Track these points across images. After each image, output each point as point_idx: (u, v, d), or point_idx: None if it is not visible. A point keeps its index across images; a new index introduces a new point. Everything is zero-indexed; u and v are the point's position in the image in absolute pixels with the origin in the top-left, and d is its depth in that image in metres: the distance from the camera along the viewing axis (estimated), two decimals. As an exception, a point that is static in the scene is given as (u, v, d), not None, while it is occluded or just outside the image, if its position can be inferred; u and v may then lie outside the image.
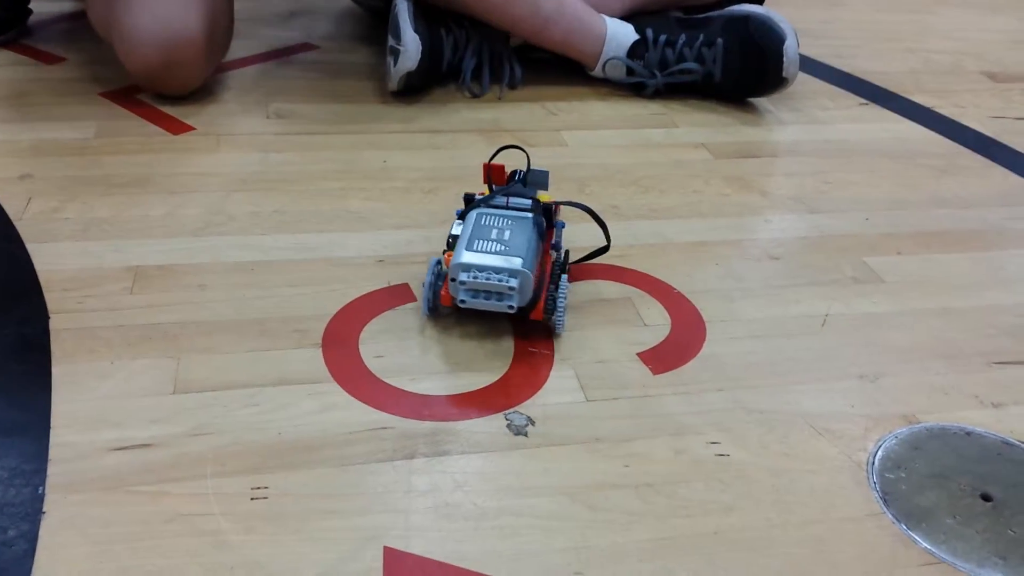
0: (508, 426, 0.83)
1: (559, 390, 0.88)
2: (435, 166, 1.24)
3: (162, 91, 1.36)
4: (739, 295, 1.04)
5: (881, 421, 0.87)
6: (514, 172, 1.01)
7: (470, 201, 0.99)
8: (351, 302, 0.96)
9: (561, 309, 0.92)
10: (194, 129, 1.29)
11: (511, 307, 0.90)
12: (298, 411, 0.82)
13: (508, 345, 0.93)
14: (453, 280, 0.89)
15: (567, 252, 1.01)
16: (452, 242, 0.95)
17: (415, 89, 1.44)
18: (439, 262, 0.94)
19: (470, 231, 0.92)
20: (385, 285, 1.00)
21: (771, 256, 1.12)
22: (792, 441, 0.84)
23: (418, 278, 1.01)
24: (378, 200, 1.16)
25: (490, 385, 0.88)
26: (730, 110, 1.51)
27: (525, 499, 0.76)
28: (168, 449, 0.77)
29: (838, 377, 0.93)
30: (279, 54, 1.58)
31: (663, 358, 0.93)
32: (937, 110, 1.59)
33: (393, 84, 1.39)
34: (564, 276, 0.95)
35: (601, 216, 1.01)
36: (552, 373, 0.90)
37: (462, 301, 0.90)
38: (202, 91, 1.39)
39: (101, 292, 0.95)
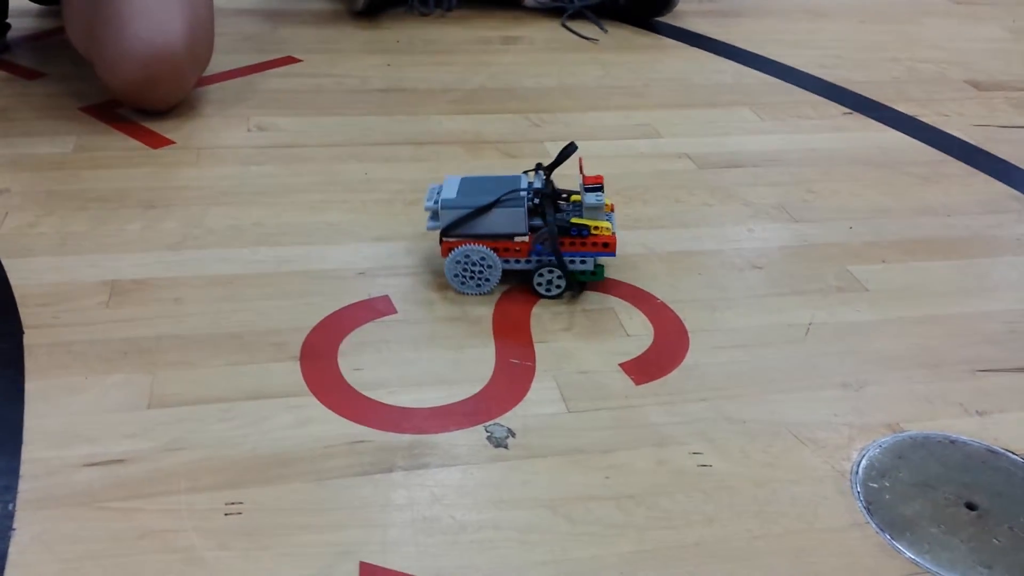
0: (488, 438, 0.82)
1: (540, 401, 0.87)
2: (417, 178, 1.24)
3: (143, 107, 1.35)
4: (722, 304, 1.03)
5: (865, 430, 0.87)
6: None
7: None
8: (330, 315, 0.95)
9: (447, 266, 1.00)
10: (174, 143, 1.28)
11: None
12: (274, 425, 0.81)
13: (489, 357, 0.92)
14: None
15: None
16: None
17: (377, 9, 1.83)
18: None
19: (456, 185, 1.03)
20: (365, 298, 0.99)
21: (754, 265, 1.12)
22: (775, 451, 0.83)
23: (399, 289, 1.01)
24: (359, 212, 1.15)
25: (470, 397, 0.87)
26: (713, 119, 1.51)
27: (504, 512, 0.75)
28: (141, 464, 0.76)
29: (821, 386, 0.92)
30: (262, 67, 1.58)
31: (646, 368, 0.92)
32: (921, 119, 1.59)
33: (359, 5, 1.78)
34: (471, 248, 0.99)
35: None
36: (533, 384, 0.89)
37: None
38: (183, 105, 1.38)
39: (76, 307, 0.94)
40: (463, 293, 1.01)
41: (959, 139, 1.52)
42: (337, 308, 0.97)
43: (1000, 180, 1.39)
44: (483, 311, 0.99)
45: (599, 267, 1.04)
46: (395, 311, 0.97)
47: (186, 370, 0.86)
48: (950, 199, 1.32)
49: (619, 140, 1.41)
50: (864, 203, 1.29)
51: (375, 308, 0.97)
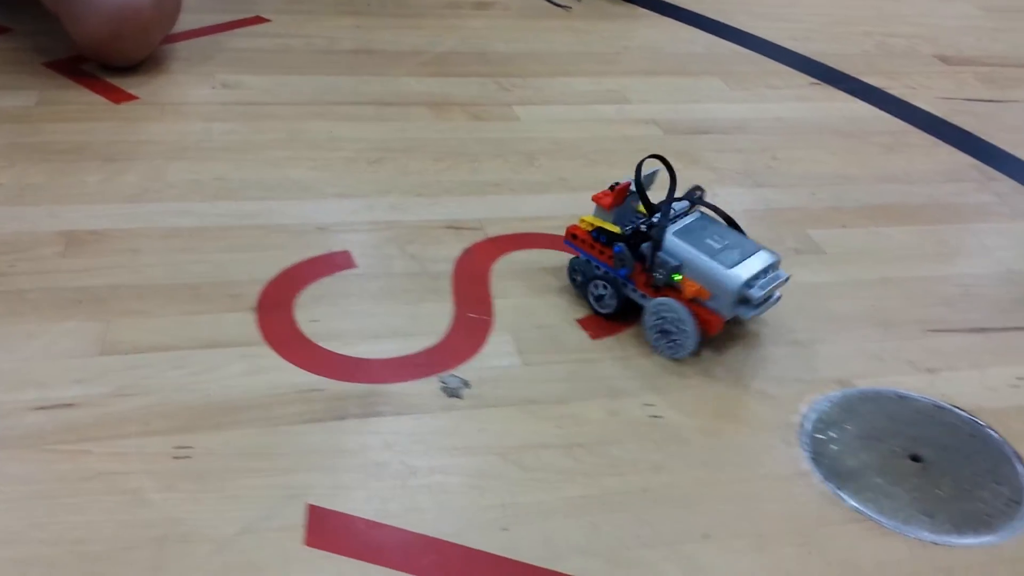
0: (443, 388, 0.83)
1: (496, 354, 0.88)
2: (382, 138, 1.23)
3: (109, 62, 1.34)
4: (681, 264, 1.04)
5: (815, 385, 0.88)
6: (619, 186, 0.93)
7: (637, 231, 0.92)
8: (289, 268, 0.95)
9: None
10: (138, 99, 1.27)
11: (779, 298, 0.90)
12: (227, 373, 0.81)
13: (447, 311, 0.92)
14: (739, 302, 0.85)
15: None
16: (665, 276, 0.86)
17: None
18: (675, 304, 0.86)
19: (697, 252, 0.86)
20: (325, 252, 0.99)
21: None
22: (725, 404, 0.84)
23: (360, 245, 1.01)
24: (322, 170, 1.15)
25: (426, 349, 0.87)
26: (682, 87, 1.51)
27: (455, 458, 0.75)
28: (91, 409, 0.76)
29: (775, 343, 0.93)
30: (230, 26, 1.56)
31: (603, 324, 0.93)
32: (888, 91, 1.60)
33: None
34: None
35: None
36: (490, 338, 0.90)
37: (748, 316, 0.86)
38: (149, 61, 1.37)
39: (32, 256, 0.93)
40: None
41: (925, 111, 1.53)
42: (296, 262, 0.96)
43: (963, 151, 1.41)
44: (443, 267, 0.99)
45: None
46: (354, 266, 0.97)
47: (140, 319, 0.86)
48: (912, 168, 1.33)
49: (587, 105, 1.41)
50: (827, 170, 1.30)
51: (334, 262, 0.97)
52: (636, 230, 0.93)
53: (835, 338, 0.95)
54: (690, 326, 0.86)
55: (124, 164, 1.11)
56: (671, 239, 0.88)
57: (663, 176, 0.95)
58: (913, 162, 1.35)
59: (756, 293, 0.85)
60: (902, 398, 0.88)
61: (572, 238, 0.95)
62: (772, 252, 0.88)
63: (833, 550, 0.71)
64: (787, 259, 1.07)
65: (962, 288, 1.05)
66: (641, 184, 0.93)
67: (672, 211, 0.92)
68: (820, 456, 0.80)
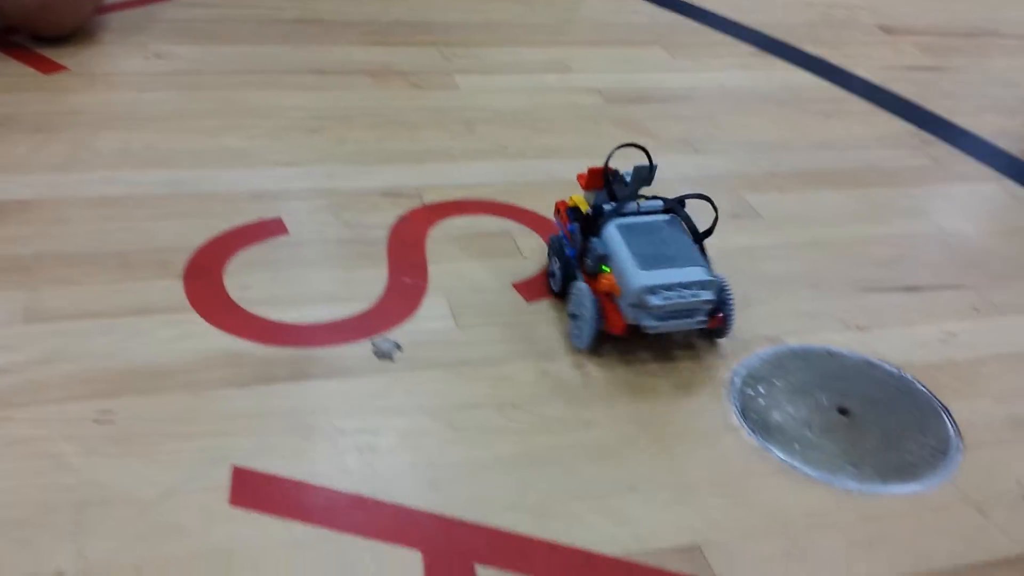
0: (374, 351, 0.82)
1: (430, 318, 0.87)
2: (320, 106, 1.22)
3: (39, 33, 1.31)
4: (619, 229, 1.05)
5: (746, 343, 0.89)
6: (609, 172, 0.88)
7: (587, 215, 0.87)
8: (219, 235, 0.94)
9: (731, 310, 0.84)
10: (67, 69, 1.24)
11: (703, 322, 0.82)
12: (154, 339, 0.80)
13: (381, 276, 0.92)
14: (636, 306, 0.80)
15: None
16: (593, 264, 0.83)
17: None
18: (586, 291, 0.82)
19: (625, 248, 0.81)
20: (256, 220, 0.98)
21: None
22: (657, 362, 0.85)
23: (294, 213, 1.00)
24: (257, 139, 1.13)
25: (358, 314, 0.87)
26: (626, 57, 1.51)
27: (385, 419, 0.75)
28: (13, 376, 0.74)
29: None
30: (167, -2, 1.53)
31: (538, 288, 0.93)
32: (829, 60, 1.61)
33: None
34: (721, 275, 0.85)
35: (714, 202, 0.88)
36: (424, 302, 0.89)
37: (651, 327, 0.80)
38: (81, 32, 1.34)
39: (-47, 226, 0.91)
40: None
41: (864, 79, 1.55)
42: (226, 229, 0.95)
43: (901, 117, 1.43)
44: (378, 233, 0.98)
45: None
46: (287, 232, 0.96)
47: (66, 287, 0.84)
48: (850, 134, 1.35)
49: (530, 75, 1.41)
50: (766, 137, 1.31)
51: (266, 229, 0.96)
52: (591, 215, 0.88)
53: (768, 298, 0.96)
54: (590, 317, 0.82)
55: (52, 134, 1.09)
56: (610, 229, 0.84)
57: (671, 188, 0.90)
58: (851, 129, 1.36)
59: (654, 301, 0.79)
60: (832, 354, 0.90)
61: (556, 213, 0.93)
62: (710, 274, 0.82)
63: (759, 500, 0.72)
64: (724, 223, 1.08)
65: (895, 249, 1.07)
66: (608, 172, 0.88)
67: (637, 206, 0.87)
68: (749, 411, 0.81)
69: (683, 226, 0.86)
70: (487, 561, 0.64)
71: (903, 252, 1.07)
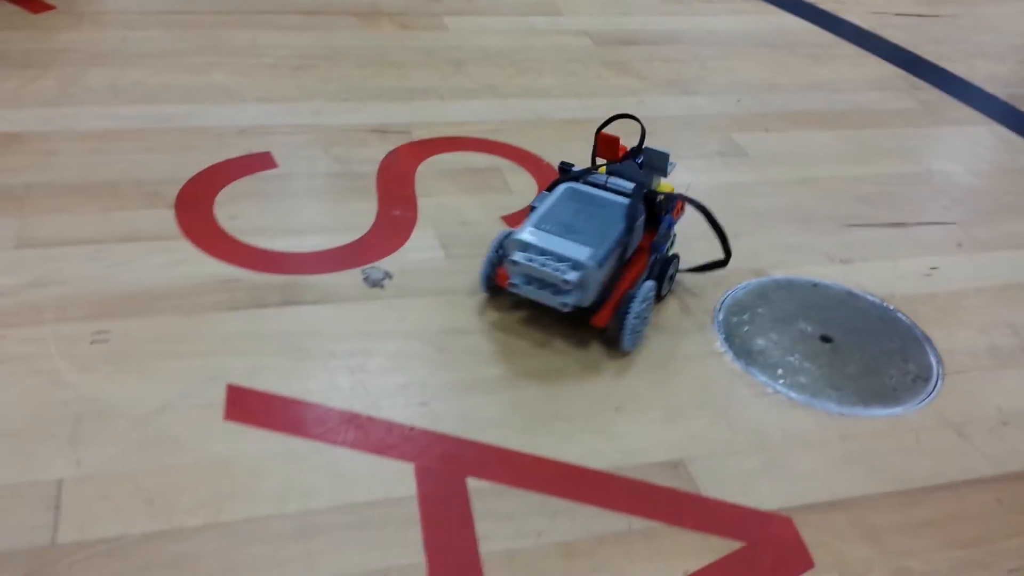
0: (365, 279, 0.83)
1: (420, 248, 0.88)
2: (306, 45, 1.22)
3: (24, -27, 1.29)
4: (607, 165, 1.05)
5: (732, 274, 0.90)
6: (632, 150, 0.85)
7: (565, 171, 0.84)
8: (208, 167, 0.95)
9: (634, 324, 0.77)
10: (54, 8, 1.24)
11: (565, 304, 0.75)
12: (145, 265, 0.81)
13: (371, 209, 0.93)
14: (506, 258, 0.76)
15: (673, 257, 0.84)
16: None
17: None
18: (509, 235, 0.79)
19: (548, 206, 0.78)
20: (245, 153, 0.98)
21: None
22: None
23: (283, 147, 1.00)
24: (244, 76, 1.13)
25: (349, 243, 0.87)
26: (616, 1, 1.51)
27: (376, 343, 0.76)
28: (7, 298, 0.75)
29: (695, 237, 0.94)
30: (153, -59, 1.52)
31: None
32: (818, 5, 1.61)
33: None
34: (649, 284, 0.78)
35: (718, 221, 0.84)
36: (414, 233, 0.90)
37: (512, 285, 0.76)
38: (66, -28, 1.33)
39: (-57, 157, 0.91)
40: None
41: (854, 24, 1.55)
42: (216, 162, 0.96)
43: (890, 62, 1.43)
44: (367, 168, 0.99)
45: (672, 236, 0.86)
46: (276, 166, 0.97)
47: (57, 215, 0.85)
48: (839, 77, 1.35)
49: (519, 16, 1.41)
50: (755, 79, 1.31)
51: (255, 163, 0.97)
52: (559, 171, 0.86)
53: (754, 232, 0.97)
54: (484, 260, 0.80)
55: (41, 71, 1.09)
56: (557, 188, 0.81)
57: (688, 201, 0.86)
58: (839, 72, 1.37)
59: (515, 256, 0.75)
60: (815, 286, 0.91)
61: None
62: (595, 262, 0.73)
63: (741, 420, 0.74)
64: (711, 161, 1.09)
65: (879, 187, 1.08)
66: (596, 145, 0.85)
67: (606, 180, 0.82)
68: (733, 337, 0.82)
69: (626, 214, 0.78)
70: (477, 474, 0.65)
71: (889, 190, 1.08)
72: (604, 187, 0.81)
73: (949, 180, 1.11)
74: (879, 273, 0.94)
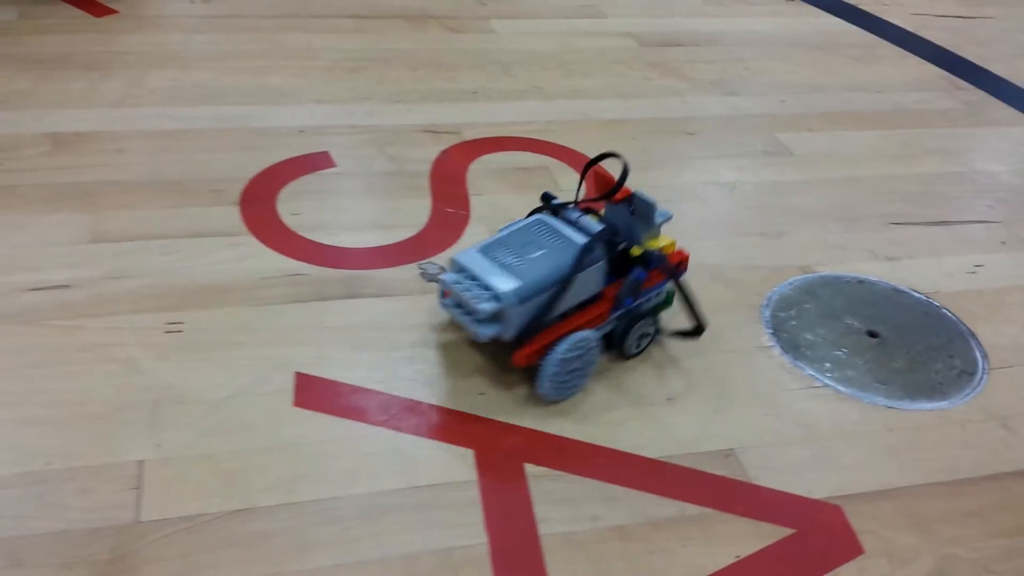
0: (421, 274, 0.85)
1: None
2: (359, 48, 1.25)
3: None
4: (653, 164, 1.07)
5: (778, 271, 0.92)
6: (610, 191, 0.77)
7: (546, 202, 0.80)
8: (270, 167, 0.98)
9: (551, 372, 0.71)
10: (117, 12, 1.28)
11: (481, 335, 0.71)
12: (214, 259, 0.84)
13: (425, 206, 0.95)
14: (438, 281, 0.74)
15: (646, 315, 0.78)
16: None
17: None
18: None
19: (506, 233, 0.76)
20: (305, 153, 1.01)
21: (686, 132, 1.15)
22: (693, 287, 0.88)
23: (339, 146, 1.03)
24: (301, 78, 1.17)
25: (406, 240, 0.90)
26: (659, 3, 1.53)
27: (434, 334, 0.79)
28: (84, 290, 0.79)
29: (742, 235, 0.97)
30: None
31: (576, 219, 0.96)
32: (860, 6, 1.62)
33: None
34: (583, 334, 0.72)
35: (689, 293, 0.76)
36: (467, 230, 0.93)
37: (444, 304, 0.74)
38: (126, -22, 1.38)
39: (20, 155, 0.96)
40: (559, 399, 0.74)
41: (896, 26, 1.56)
42: (276, 161, 0.99)
43: (932, 63, 1.44)
44: (421, 167, 1.02)
45: (669, 294, 0.82)
46: (334, 165, 1.00)
47: (127, 211, 0.89)
48: (881, 78, 1.36)
49: (564, 19, 1.43)
50: (798, 80, 1.33)
51: (314, 162, 1.00)
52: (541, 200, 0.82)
53: (799, 230, 0.99)
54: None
55: (105, 72, 1.13)
56: (522, 220, 0.78)
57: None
58: (882, 73, 1.38)
59: (444, 276, 0.73)
60: (861, 282, 0.93)
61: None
62: (514, 297, 0.69)
63: (789, 412, 0.75)
64: (757, 160, 1.10)
65: (923, 186, 1.09)
66: (582, 180, 0.82)
67: (577, 216, 0.77)
68: (780, 332, 0.84)
69: (576, 255, 0.72)
70: (534, 460, 0.68)
71: (933, 189, 1.09)
72: (575, 224, 0.76)
73: (992, 180, 1.12)
74: (924, 270, 0.95)
